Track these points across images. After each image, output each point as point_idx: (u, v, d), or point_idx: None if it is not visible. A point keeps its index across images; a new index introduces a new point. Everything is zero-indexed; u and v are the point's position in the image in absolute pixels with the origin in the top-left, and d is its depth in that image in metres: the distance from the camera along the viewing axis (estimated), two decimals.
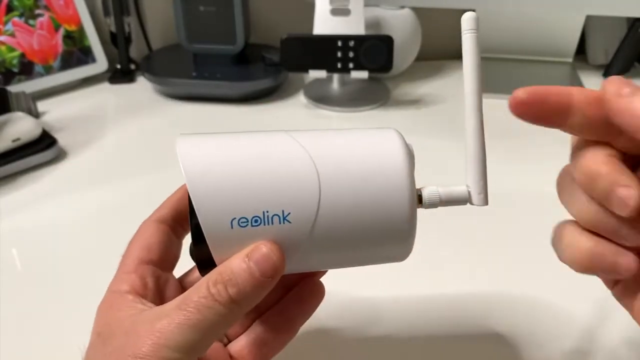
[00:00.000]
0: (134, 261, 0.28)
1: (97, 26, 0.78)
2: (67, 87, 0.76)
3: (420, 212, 0.27)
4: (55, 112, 0.70)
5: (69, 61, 0.75)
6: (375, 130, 0.27)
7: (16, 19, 0.71)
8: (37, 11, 0.73)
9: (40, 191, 0.54)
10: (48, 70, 0.74)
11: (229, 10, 0.71)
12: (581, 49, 0.84)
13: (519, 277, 0.43)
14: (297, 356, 0.35)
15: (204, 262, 0.25)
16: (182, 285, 0.30)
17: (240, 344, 0.30)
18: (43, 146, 0.58)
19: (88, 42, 0.77)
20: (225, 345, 0.30)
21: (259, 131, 0.27)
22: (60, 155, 0.60)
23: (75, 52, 0.76)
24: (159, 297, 0.28)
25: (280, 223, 0.24)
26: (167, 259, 0.29)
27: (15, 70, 0.71)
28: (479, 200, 0.27)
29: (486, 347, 0.38)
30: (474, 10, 0.26)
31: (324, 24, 0.68)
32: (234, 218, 0.24)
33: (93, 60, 0.78)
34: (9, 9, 0.71)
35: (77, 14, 0.76)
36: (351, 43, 0.66)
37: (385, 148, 0.26)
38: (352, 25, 0.67)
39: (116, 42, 0.79)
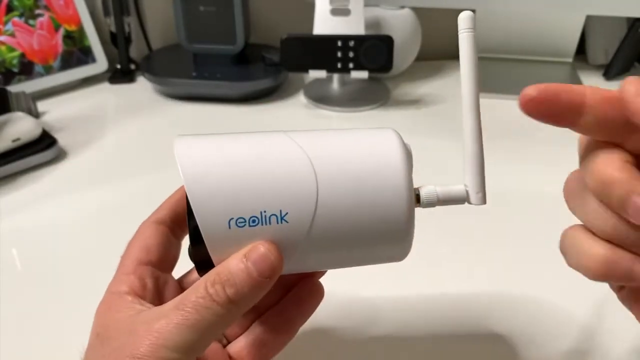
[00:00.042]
0: (133, 262, 0.28)
1: (97, 26, 0.78)
2: (67, 87, 0.76)
3: (419, 211, 0.27)
4: (55, 112, 0.70)
5: (69, 61, 0.76)
6: (373, 130, 0.27)
7: (16, 19, 0.71)
8: (37, 11, 0.73)
9: (40, 191, 0.54)
10: (48, 70, 0.74)
11: (229, 10, 0.71)
12: (581, 49, 0.84)
13: (518, 277, 0.43)
14: (296, 357, 0.35)
15: (202, 262, 0.25)
16: (181, 286, 0.30)
17: (239, 345, 0.30)
18: (43, 146, 0.58)
19: (88, 42, 0.77)
20: (225, 346, 0.30)
21: (257, 132, 0.27)
22: (60, 155, 0.60)
23: (75, 52, 0.76)
24: (158, 298, 0.28)
25: (278, 223, 0.24)
26: (166, 259, 0.29)
27: (15, 70, 0.71)
28: (477, 200, 0.27)
29: (485, 347, 0.38)
30: (473, 11, 0.26)
31: (324, 24, 0.68)
32: (232, 218, 0.24)
33: (93, 60, 0.78)
34: (9, 9, 0.71)
35: (77, 14, 0.76)
36: (351, 43, 0.66)
37: (383, 148, 0.26)
38: (352, 25, 0.67)
39: (116, 42, 0.79)
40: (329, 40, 0.66)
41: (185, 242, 0.28)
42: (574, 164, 0.25)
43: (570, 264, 0.24)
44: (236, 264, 0.24)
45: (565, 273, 0.25)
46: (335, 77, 0.74)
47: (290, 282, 0.31)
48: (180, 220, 0.30)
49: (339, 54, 0.66)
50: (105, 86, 0.78)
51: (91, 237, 0.48)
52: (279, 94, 0.75)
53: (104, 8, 0.77)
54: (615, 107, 0.21)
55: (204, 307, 0.23)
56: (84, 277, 0.39)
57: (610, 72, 0.78)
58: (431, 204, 0.27)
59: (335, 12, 0.67)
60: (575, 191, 0.24)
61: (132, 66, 0.81)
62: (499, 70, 0.80)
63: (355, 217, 0.25)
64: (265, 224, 0.24)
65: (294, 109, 0.72)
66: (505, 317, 0.39)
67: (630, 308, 0.25)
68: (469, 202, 0.27)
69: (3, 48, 0.70)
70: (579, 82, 0.77)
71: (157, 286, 0.28)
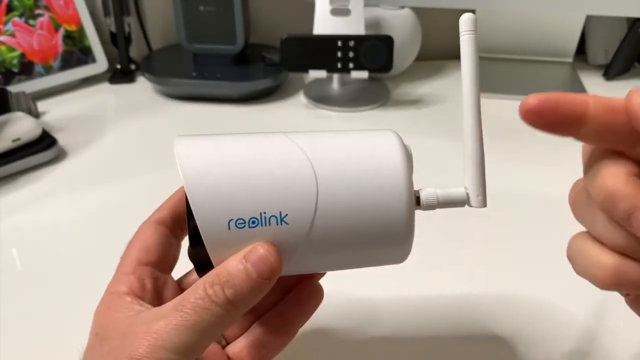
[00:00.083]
0: (133, 262, 0.28)
1: (97, 26, 0.78)
2: (67, 87, 0.76)
3: (419, 213, 0.27)
4: (55, 112, 0.70)
5: (69, 61, 0.76)
6: (373, 131, 0.27)
7: (16, 19, 0.71)
8: (37, 11, 0.73)
9: (40, 191, 0.54)
10: (48, 70, 0.74)
11: (229, 10, 0.71)
12: (581, 49, 0.84)
13: (518, 278, 0.43)
14: (296, 358, 0.35)
15: (202, 263, 0.25)
16: (181, 286, 0.30)
17: (238, 346, 0.30)
18: (43, 146, 0.58)
19: (88, 42, 0.77)
20: (224, 347, 0.30)
21: (257, 133, 0.27)
22: (60, 155, 0.60)
23: (75, 52, 0.76)
24: (157, 299, 0.28)
25: (277, 224, 0.24)
26: (166, 260, 0.29)
27: (15, 70, 0.71)
28: (477, 202, 0.27)
29: (485, 348, 0.38)
30: (473, 11, 0.26)
31: (324, 24, 0.68)
32: (231, 219, 0.24)
33: (93, 60, 0.78)
34: (9, 9, 0.71)
35: (77, 14, 0.76)
36: (351, 43, 0.66)
37: (383, 150, 0.26)
38: (352, 25, 0.67)
39: (116, 42, 0.79)
40: (329, 40, 0.66)
41: (185, 242, 0.28)
42: (573, 164, 0.25)
43: (578, 272, 0.24)
44: (235, 265, 0.24)
45: (565, 274, 0.25)
46: (335, 77, 0.74)
47: (290, 284, 0.31)
48: (181, 221, 0.30)
49: (339, 54, 0.66)
50: (105, 86, 0.78)
51: (91, 237, 0.48)
52: (279, 94, 0.75)
53: (104, 8, 0.77)
54: (620, 117, 0.21)
55: (203, 308, 0.23)
56: (84, 277, 0.39)
57: (610, 72, 0.78)
58: (431, 206, 0.27)
59: (335, 12, 0.67)
60: (581, 201, 0.24)
61: (132, 66, 0.81)
62: (499, 70, 0.80)
63: (355, 219, 0.25)
64: (265, 225, 0.24)
65: (294, 109, 0.72)
66: (505, 317, 0.39)
67: (638, 312, 0.25)
68: (469, 205, 0.27)
69: (3, 48, 0.70)
70: (579, 82, 0.76)
71: (157, 287, 0.28)
